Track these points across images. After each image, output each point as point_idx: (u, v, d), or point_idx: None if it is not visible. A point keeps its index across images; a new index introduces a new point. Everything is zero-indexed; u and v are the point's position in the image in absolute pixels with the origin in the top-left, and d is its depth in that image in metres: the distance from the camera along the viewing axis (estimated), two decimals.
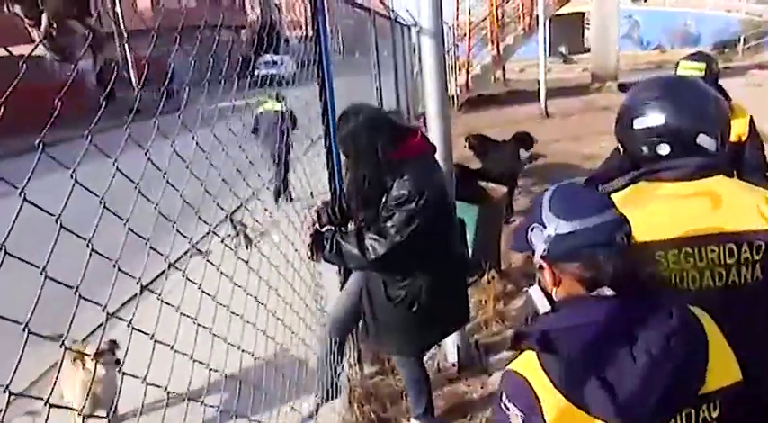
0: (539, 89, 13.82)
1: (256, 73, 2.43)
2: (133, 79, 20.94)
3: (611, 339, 1.16)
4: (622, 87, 15.82)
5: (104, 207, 1.03)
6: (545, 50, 14.29)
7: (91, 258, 1.05)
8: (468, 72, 16.02)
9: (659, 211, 1.57)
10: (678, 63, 3.51)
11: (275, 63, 3.06)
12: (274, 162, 5.49)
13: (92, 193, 1.02)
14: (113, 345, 2.73)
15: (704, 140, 1.58)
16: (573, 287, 1.25)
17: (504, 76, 21.12)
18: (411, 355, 2.94)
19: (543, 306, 1.29)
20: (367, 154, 2.44)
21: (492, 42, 16.41)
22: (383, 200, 2.44)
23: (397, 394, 3.26)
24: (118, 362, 2.70)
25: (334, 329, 3.07)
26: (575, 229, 1.21)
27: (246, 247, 2.33)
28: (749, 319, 1.49)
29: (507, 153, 6.59)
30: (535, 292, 1.31)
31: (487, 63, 16.78)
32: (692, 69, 3.34)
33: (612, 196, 1.62)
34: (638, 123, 1.63)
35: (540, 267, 1.29)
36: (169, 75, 1.77)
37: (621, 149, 1.71)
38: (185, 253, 1.49)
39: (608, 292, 1.23)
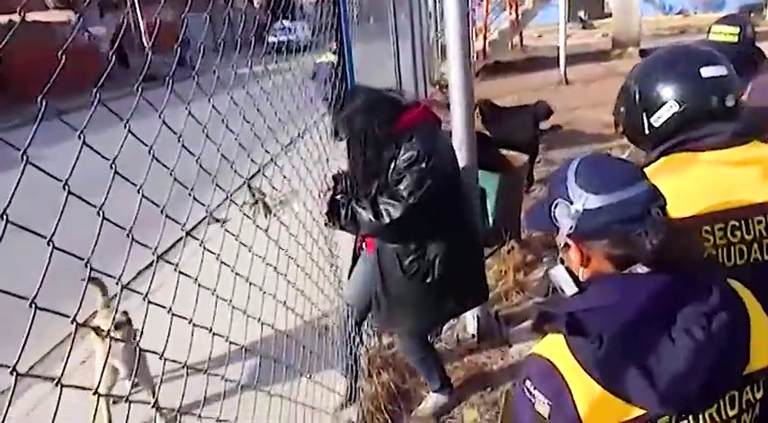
0: (558, 55, 13.49)
1: (270, 40, 2.34)
2: (147, 46, 20.79)
3: (647, 320, 1.07)
4: (644, 53, 15.41)
5: (115, 172, 0.96)
6: (566, 15, 13.88)
7: (102, 228, 0.98)
8: (485, 37, 15.66)
9: (701, 182, 1.47)
10: (710, 28, 3.27)
11: (289, 29, 2.97)
12: (328, 107, 5.76)
13: (102, 156, 0.94)
14: (127, 316, 2.70)
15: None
16: (602, 266, 1.16)
17: (521, 41, 20.62)
18: (424, 332, 2.90)
19: (569, 288, 1.19)
20: (364, 134, 2.40)
21: (510, 6, 16.00)
22: (391, 167, 2.39)
23: None
24: (136, 332, 2.68)
25: (356, 315, 3.01)
26: (605, 204, 1.11)
27: (265, 216, 2.27)
28: None
29: (520, 120, 6.35)
30: (559, 272, 1.20)
31: (505, 28, 16.40)
32: (725, 34, 3.11)
33: (645, 170, 1.54)
34: (708, 72, 1.51)
35: (566, 246, 1.19)
36: (181, 37, 1.67)
37: (679, 103, 1.53)
38: (201, 220, 1.42)
39: (641, 269, 1.13)
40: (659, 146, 1.57)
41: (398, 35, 6.54)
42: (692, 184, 1.47)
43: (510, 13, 16.12)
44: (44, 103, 0.78)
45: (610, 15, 20.41)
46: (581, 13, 28.46)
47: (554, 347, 1.11)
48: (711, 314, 1.06)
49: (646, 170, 1.50)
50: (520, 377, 1.16)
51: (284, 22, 3.14)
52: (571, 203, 1.15)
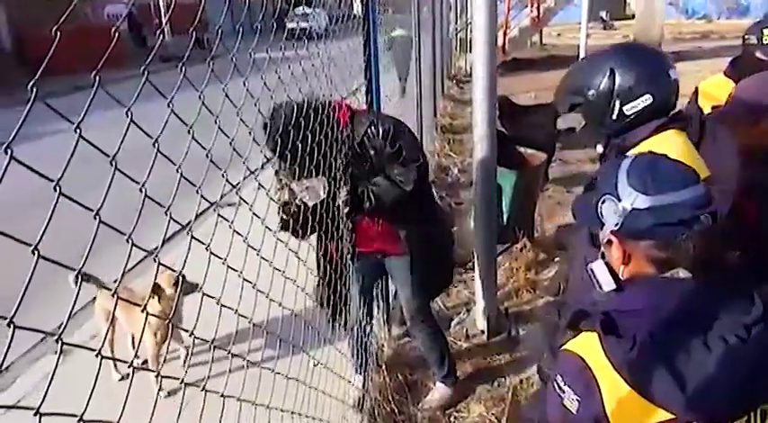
0: (578, 54, 13.35)
1: (288, 26, 2.34)
2: (165, 27, 20.73)
3: (682, 325, 1.06)
4: None
5: (158, 150, 0.97)
6: (587, 14, 13.72)
7: (128, 200, 0.99)
8: (505, 34, 15.52)
9: (693, 151, 1.76)
10: (762, 33, 3.19)
11: (306, 16, 2.96)
12: (399, 77, 7.99)
13: (147, 134, 0.95)
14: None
15: None
16: (642, 266, 1.16)
17: (540, 39, 20.46)
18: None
19: (607, 284, 1.20)
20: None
21: (532, 4, 15.85)
22: (373, 155, 2.49)
23: (423, 358, 3.23)
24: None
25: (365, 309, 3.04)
26: (654, 205, 1.11)
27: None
28: None
29: (538, 119, 6.29)
30: (599, 267, 1.21)
31: (525, 25, 16.24)
32: None
33: (644, 143, 1.75)
34: (673, 74, 1.81)
35: (608, 242, 1.19)
36: (224, 16, 1.67)
37: (653, 96, 1.77)
38: (221, 198, 1.42)
39: (682, 273, 1.13)
40: (622, 132, 1.81)
41: (420, 27, 6.51)
42: (692, 152, 1.74)
43: (531, 10, 15.96)
44: (98, 78, 0.79)
45: (632, 17, 20.17)
46: (603, 13, 28.10)
47: (587, 345, 1.11)
48: (751, 325, 1.04)
49: (649, 141, 1.75)
50: (552, 373, 1.16)
51: (304, 8, 3.14)
52: (619, 201, 1.15)
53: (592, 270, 1.23)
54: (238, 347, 1.54)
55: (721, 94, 2.93)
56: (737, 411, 1.06)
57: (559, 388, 1.12)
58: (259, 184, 1.62)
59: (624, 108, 1.78)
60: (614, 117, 1.80)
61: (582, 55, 13.19)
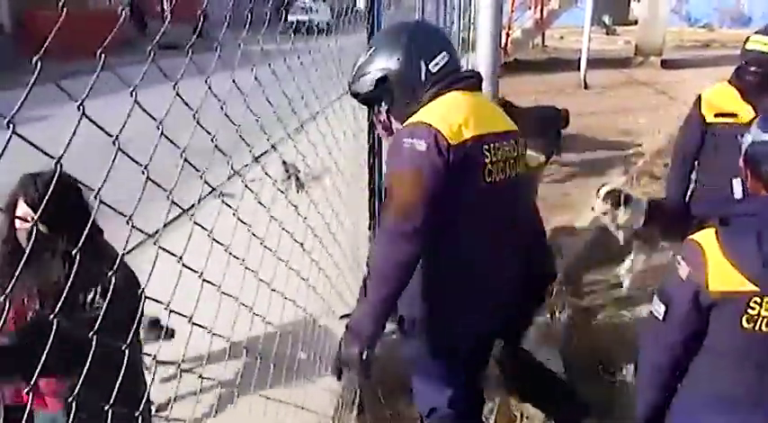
0: (579, 58, 13.38)
1: (290, 18, 2.32)
2: (167, 13, 20.68)
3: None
4: (665, 64, 15.27)
5: (162, 133, 0.96)
6: (590, 18, 13.73)
7: (130, 182, 0.98)
8: (507, 35, 15.51)
9: (473, 112, 1.82)
10: (747, 38, 3.29)
11: (309, 9, 2.94)
12: None
13: (151, 116, 0.94)
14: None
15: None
16: (757, 187, 1.57)
17: (543, 42, 20.46)
18: None
19: (738, 193, 2.08)
20: None
21: (535, 5, 15.84)
22: None
23: None
24: None
25: None
26: (764, 140, 1.51)
27: (297, 192, 2.27)
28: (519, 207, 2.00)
29: (536, 122, 6.27)
30: (737, 183, 2.06)
31: (528, 27, 16.23)
32: (762, 44, 3.13)
33: (432, 103, 1.85)
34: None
35: (745, 164, 1.61)
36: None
37: (448, 53, 1.93)
38: (211, 192, 1.40)
39: None
40: (431, 88, 1.87)
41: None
42: (471, 113, 1.82)
43: (535, 12, 15.94)
44: (103, 56, 0.78)
45: (635, 23, 20.18)
46: (605, 18, 28.09)
47: (704, 234, 1.54)
48: None
49: (429, 107, 1.84)
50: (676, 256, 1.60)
51: (304, 1, 3.12)
52: (749, 135, 1.58)
53: (731, 182, 2.00)
54: (237, 335, 1.53)
55: (723, 102, 2.99)
56: None
57: (678, 263, 1.54)
58: (267, 174, 1.61)
59: (429, 66, 1.87)
60: (423, 78, 1.88)
61: (583, 59, 13.24)
